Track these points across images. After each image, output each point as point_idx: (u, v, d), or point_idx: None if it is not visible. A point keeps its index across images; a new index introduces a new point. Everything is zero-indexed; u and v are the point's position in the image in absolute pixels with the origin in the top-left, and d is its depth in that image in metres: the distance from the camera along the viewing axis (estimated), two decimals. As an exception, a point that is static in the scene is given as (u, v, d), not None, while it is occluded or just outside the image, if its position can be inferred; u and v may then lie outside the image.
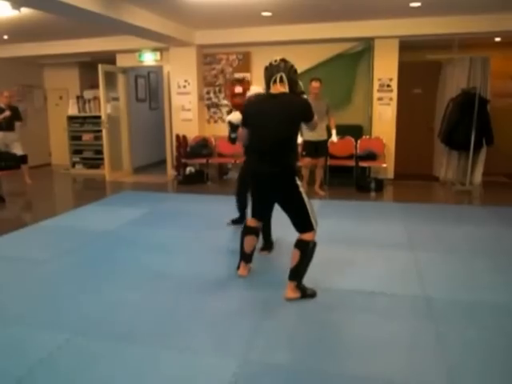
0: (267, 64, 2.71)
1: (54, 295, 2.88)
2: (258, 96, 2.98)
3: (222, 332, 2.39)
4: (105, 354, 2.20)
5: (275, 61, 2.67)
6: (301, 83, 2.81)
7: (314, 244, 2.71)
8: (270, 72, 2.66)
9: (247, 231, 3.01)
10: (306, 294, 2.76)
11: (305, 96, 2.79)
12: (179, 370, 2.07)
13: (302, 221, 2.68)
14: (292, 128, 2.68)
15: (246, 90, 3.93)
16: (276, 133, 2.60)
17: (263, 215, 3.02)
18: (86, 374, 2.05)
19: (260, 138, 2.69)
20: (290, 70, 2.67)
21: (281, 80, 2.63)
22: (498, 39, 6.73)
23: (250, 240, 3.01)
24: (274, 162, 2.64)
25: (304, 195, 2.67)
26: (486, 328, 2.41)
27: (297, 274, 2.71)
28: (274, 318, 2.55)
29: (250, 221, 3.02)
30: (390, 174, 6.69)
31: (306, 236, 2.68)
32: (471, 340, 2.29)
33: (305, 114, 2.67)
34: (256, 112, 2.72)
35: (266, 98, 2.73)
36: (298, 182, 2.67)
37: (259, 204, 2.91)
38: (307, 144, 5.66)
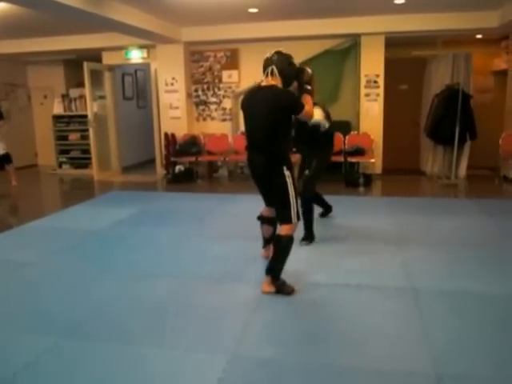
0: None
1: (40, 297, 2.86)
2: (250, 88, 3.06)
3: (211, 329, 2.41)
4: (94, 356, 2.18)
5: (270, 53, 2.71)
6: (309, 70, 2.83)
7: (289, 239, 2.71)
8: (264, 65, 2.72)
9: (261, 221, 3.09)
10: (282, 290, 2.74)
11: (308, 87, 2.78)
12: (170, 367, 2.08)
13: (282, 211, 2.71)
14: (276, 120, 2.66)
15: None
16: (262, 124, 2.69)
17: (271, 203, 3.00)
18: (74, 377, 2.03)
19: (250, 129, 2.82)
20: (283, 63, 2.68)
21: (272, 73, 2.67)
22: (479, 36, 6.87)
23: (265, 228, 3.12)
24: (261, 151, 2.72)
25: (290, 186, 2.66)
26: (471, 318, 2.48)
27: (271, 268, 2.75)
28: (264, 314, 2.58)
29: (264, 210, 3.07)
30: (378, 169, 6.78)
31: (283, 229, 2.71)
32: (457, 329, 2.36)
33: (288, 106, 2.66)
34: (246, 104, 2.82)
35: (255, 90, 2.82)
36: (286, 172, 2.66)
37: (261, 192, 2.97)
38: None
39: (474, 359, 2.10)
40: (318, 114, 3.41)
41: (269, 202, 2.97)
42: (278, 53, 2.72)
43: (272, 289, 2.75)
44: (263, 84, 2.73)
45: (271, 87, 2.68)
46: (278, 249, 2.72)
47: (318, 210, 4.15)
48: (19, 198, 6.24)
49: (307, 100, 2.74)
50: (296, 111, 2.69)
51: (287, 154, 2.74)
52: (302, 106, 2.68)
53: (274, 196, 2.76)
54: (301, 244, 3.54)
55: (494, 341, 2.25)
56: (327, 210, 4.40)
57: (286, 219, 2.69)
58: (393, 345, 2.22)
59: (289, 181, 2.66)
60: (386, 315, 2.53)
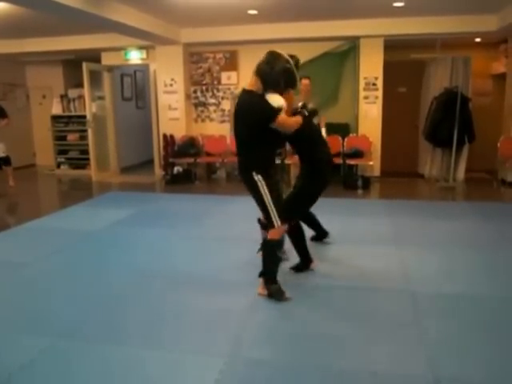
0: None
1: (37, 298, 2.85)
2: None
3: (208, 330, 2.41)
4: (90, 357, 2.17)
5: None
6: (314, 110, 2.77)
7: (273, 244, 2.68)
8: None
9: (260, 225, 2.98)
10: (273, 295, 2.70)
11: (306, 113, 2.70)
12: (166, 369, 2.07)
13: (265, 217, 2.68)
14: (247, 127, 2.58)
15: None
16: (237, 130, 2.67)
17: None
18: (69, 379, 2.02)
19: (233, 133, 2.78)
20: (266, 66, 2.51)
21: (254, 74, 2.57)
22: (478, 40, 6.89)
23: (262, 232, 3.01)
24: (239, 155, 2.71)
25: (263, 191, 2.58)
26: (468, 320, 2.48)
27: (262, 272, 2.75)
28: (260, 315, 2.58)
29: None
30: (377, 172, 6.78)
31: (268, 234, 2.70)
32: (454, 332, 2.36)
33: (254, 115, 2.52)
34: (235, 107, 2.71)
35: (240, 94, 2.72)
36: (256, 177, 2.58)
37: None
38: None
39: (471, 361, 2.09)
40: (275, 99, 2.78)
41: None
42: (269, 53, 2.56)
43: (265, 292, 2.75)
44: (245, 88, 2.64)
45: (248, 93, 2.60)
46: (264, 253, 2.74)
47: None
48: (17, 198, 6.22)
49: (297, 118, 2.64)
50: (267, 122, 2.51)
51: (260, 160, 2.62)
52: (275, 117, 2.50)
53: (257, 203, 2.70)
54: (290, 271, 3.13)
55: (491, 343, 2.25)
56: (321, 234, 3.72)
57: (269, 223, 2.66)
58: (390, 347, 2.22)
59: (260, 185, 2.59)
60: (383, 317, 2.52)
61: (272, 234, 2.68)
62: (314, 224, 3.65)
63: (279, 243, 2.73)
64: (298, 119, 2.68)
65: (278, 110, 2.52)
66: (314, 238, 3.71)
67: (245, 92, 2.63)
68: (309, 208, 3.14)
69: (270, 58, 2.54)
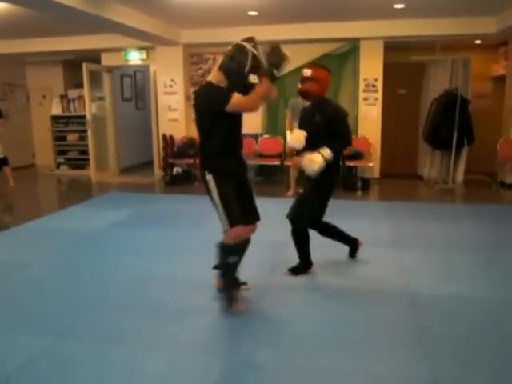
0: None
1: (36, 298, 2.85)
2: None
3: (208, 332, 2.41)
4: (89, 357, 2.17)
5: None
6: (285, 54, 2.39)
7: (223, 248, 2.51)
8: None
9: None
10: (225, 299, 2.58)
11: (274, 70, 2.36)
12: (166, 371, 2.07)
13: (219, 219, 2.52)
14: (202, 120, 2.46)
15: (319, 75, 2.98)
16: (197, 126, 2.53)
17: None
18: (69, 379, 2.02)
19: None
20: (227, 56, 2.37)
21: (217, 69, 2.42)
22: (478, 42, 6.90)
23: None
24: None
25: (214, 191, 2.45)
26: (466, 322, 2.49)
27: (217, 266, 2.60)
28: (261, 317, 2.57)
29: None
30: (376, 173, 6.79)
31: (223, 237, 2.55)
32: (453, 334, 2.36)
33: (205, 104, 2.40)
34: None
35: (200, 86, 2.59)
36: (208, 176, 2.46)
37: None
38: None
39: (471, 363, 2.09)
40: (293, 138, 2.94)
41: None
42: (233, 44, 2.38)
43: (221, 286, 2.63)
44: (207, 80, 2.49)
45: (207, 84, 2.44)
46: (218, 256, 2.56)
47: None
48: (16, 198, 6.22)
49: (259, 85, 2.35)
50: (218, 107, 2.34)
51: (215, 157, 2.48)
52: (226, 100, 2.31)
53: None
54: (285, 274, 3.09)
55: (490, 345, 2.26)
56: (352, 243, 3.38)
57: (222, 226, 2.50)
58: (390, 348, 2.22)
59: (211, 185, 2.45)
60: (383, 319, 2.52)
61: (226, 238, 2.52)
62: (342, 236, 3.32)
63: (232, 249, 2.48)
64: (260, 90, 2.36)
65: (229, 92, 2.33)
66: (351, 254, 3.40)
67: (204, 84, 2.47)
68: (323, 210, 3.04)
69: (232, 50, 2.36)
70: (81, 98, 7.88)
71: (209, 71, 7.23)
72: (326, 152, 2.84)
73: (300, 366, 2.09)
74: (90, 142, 7.32)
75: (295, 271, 3.11)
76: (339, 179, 6.25)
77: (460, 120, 6.12)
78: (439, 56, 6.50)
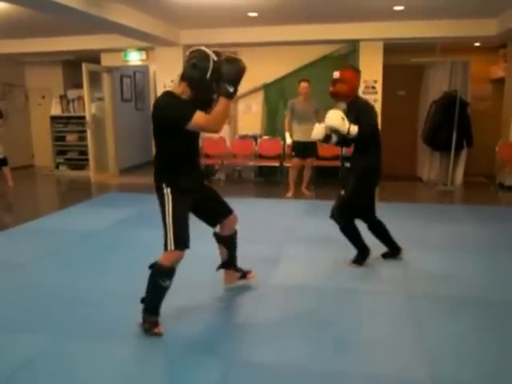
0: None
1: (35, 298, 2.84)
2: None
3: (209, 331, 2.41)
4: (88, 356, 2.17)
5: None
6: (239, 64, 2.15)
7: (158, 270, 2.28)
8: None
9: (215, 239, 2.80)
10: (142, 325, 2.34)
11: (230, 89, 2.12)
12: (166, 370, 2.08)
13: (163, 236, 2.31)
14: (159, 133, 2.28)
15: (347, 76, 3.16)
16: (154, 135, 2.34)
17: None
18: (69, 378, 2.02)
19: None
20: (188, 65, 2.19)
21: (180, 79, 2.25)
22: (477, 44, 6.92)
23: (220, 249, 2.81)
24: (154, 165, 2.42)
25: (168, 207, 2.27)
26: (467, 323, 2.49)
27: (144, 297, 2.37)
28: (260, 317, 2.57)
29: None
30: (375, 175, 6.78)
31: (160, 257, 2.33)
32: (454, 335, 2.36)
33: (163, 118, 2.20)
34: None
35: (160, 95, 2.39)
36: (166, 190, 2.30)
37: None
38: (296, 145, 5.70)
39: (471, 364, 2.09)
40: (331, 117, 3.01)
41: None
42: (192, 51, 2.22)
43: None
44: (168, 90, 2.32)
45: (162, 94, 2.28)
46: (150, 277, 2.33)
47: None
48: (15, 198, 6.21)
49: (219, 105, 2.14)
50: (179, 123, 2.14)
51: (173, 173, 2.32)
52: (188, 117, 2.11)
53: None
54: (350, 266, 3.28)
55: (491, 346, 2.26)
56: (393, 250, 3.42)
57: (164, 244, 2.28)
58: (390, 350, 2.22)
59: (167, 199, 2.28)
60: (383, 320, 2.52)
61: (163, 259, 2.30)
62: (386, 239, 3.40)
63: (167, 272, 2.29)
64: (220, 109, 2.14)
65: (193, 110, 2.12)
66: (385, 255, 3.44)
67: (162, 93, 2.30)
68: (367, 206, 3.23)
69: (190, 58, 2.19)
70: (80, 98, 7.87)
71: (208, 72, 7.24)
72: (353, 127, 3.00)
73: (301, 368, 2.09)
74: (90, 142, 7.31)
75: (358, 261, 3.28)
76: (335, 180, 6.34)
77: (459, 122, 6.14)
78: (439, 58, 6.51)
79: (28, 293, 2.93)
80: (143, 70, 8.32)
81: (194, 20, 6.01)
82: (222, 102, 2.15)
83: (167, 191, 2.31)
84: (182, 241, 2.29)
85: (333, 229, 4.41)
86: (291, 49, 6.66)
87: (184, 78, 2.21)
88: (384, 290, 2.93)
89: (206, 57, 2.17)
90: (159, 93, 8.08)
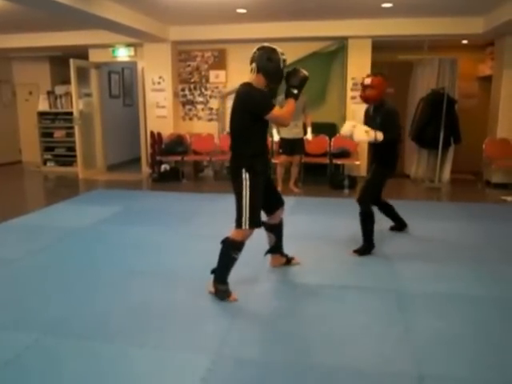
0: None
1: (21, 295, 2.82)
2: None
3: (195, 328, 2.40)
4: (75, 353, 2.17)
5: (255, 49, 2.66)
6: (303, 73, 2.67)
7: (230, 244, 2.63)
8: (250, 62, 2.64)
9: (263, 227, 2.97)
10: (217, 293, 2.70)
11: (294, 91, 2.62)
12: (152, 366, 2.07)
13: (236, 214, 2.63)
14: (240, 119, 2.60)
15: (377, 82, 3.46)
16: (231, 123, 2.68)
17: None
18: (55, 375, 2.02)
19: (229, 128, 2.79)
20: (262, 59, 2.58)
21: (252, 70, 2.60)
22: (465, 42, 6.97)
23: (267, 235, 3.08)
24: (231, 150, 2.70)
25: (245, 190, 2.58)
26: (453, 319, 2.51)
27: (215, 269, 2.71)
28: (247, 314, 2.58)
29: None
30: (363, 172, 6.80)
31: (231, 233, 2.66)
32: (440, 331, 2.38)
33: (250, 106, 2.55)
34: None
35: (237, 89, 2.70)
36: (245, 175, 2.58)
37: None
38: (283, 142, 5.72)
39: (456, 360, 2.12)
40: (346, 126, 3.50)
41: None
42: (260, 48, 2.63)
43: (213, 290, 2.73)
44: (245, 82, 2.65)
45: (245, 85, 2.61)
46: (220, 252, 2.67)
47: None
48: (1, 194, 6.13)
49: (288, 104, 2.63)
50: (261, 112, 2.54)
51: (252, 157, 2.62)
52: (270, 109, 2.53)
53: (235, 197, 2.66)
54: (351, 254, 3.46)
55: (477, 342, 2.28)
56: (400, 225, 4.06)
57: (236, 223, 2.62)
58: (376, 345, 2.24)
59: (245, 184, 2.58)
60: (369, 316, 2.54)
61: (233, 234, 2.64)
62: (394, 216, 4.01)
63: (239, 245, 2.64)
64: (290, 107, 2.62)
65: (272, 102, 2.58)
66: (393, 228, 4.07)
67: (243, 84, 2.62)
68: (377, 191, 3.69)
69: (263, 53, 2.60)
70: (68, 94, 7.78)
71: (197, 68, 7.21)
72: (379, 134, 3.36)
73: (288, 363, 2.09)
74: (78, 138, 7.24)
75: (361, 252, 3.44)
76: (323, 177, 6.38)
77: (447, 119, 6.19)
78: (427, 55, 6.56)
79: (15, 289, 2.91)
80: (131, 66, 8.25)
81: (182, 16, 5.97)
82: (290, 101, 2.63)
83: (246, 176, 2.59)
84: (255, 221, 2.64)
85: (320, 225, 4.44)
86: (280, 46, 6.50)
87: (259, 70, 2.57)
88: (371, 286, 2.94)
89: (274, 50, 2.62)
90: (148, 89, 8.00)
